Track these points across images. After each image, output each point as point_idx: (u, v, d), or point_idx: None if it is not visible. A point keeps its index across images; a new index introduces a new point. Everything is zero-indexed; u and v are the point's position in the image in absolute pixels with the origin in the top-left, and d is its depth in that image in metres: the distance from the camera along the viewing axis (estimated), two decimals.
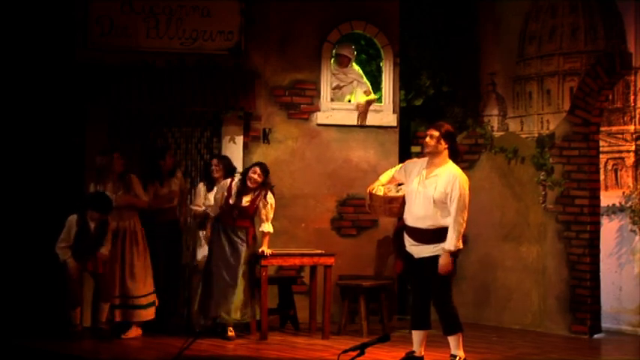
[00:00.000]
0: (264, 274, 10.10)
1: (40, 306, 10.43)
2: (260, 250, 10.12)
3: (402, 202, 8.73)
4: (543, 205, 11.00)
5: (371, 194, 8.86)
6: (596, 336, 10.58)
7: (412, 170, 8.69)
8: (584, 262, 10.66)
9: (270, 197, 10.14)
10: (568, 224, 10.80)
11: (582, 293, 10.65)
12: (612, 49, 10.61)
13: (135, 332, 10.12)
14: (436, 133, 8.53)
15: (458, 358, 8.60)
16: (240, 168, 10.86)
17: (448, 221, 8.42)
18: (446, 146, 8.53)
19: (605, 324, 10.79)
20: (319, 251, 10.54)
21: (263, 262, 10.11)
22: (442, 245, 8.43)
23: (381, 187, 8.85)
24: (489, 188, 11.48)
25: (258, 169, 10.11)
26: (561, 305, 10.79)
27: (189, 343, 7.15)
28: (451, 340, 8.63)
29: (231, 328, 10.04)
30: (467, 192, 8.45)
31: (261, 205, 10.09)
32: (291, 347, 9.70)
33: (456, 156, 8.64)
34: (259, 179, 10.08)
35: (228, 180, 10.24)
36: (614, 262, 11.03)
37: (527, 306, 11.11)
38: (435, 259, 8.46)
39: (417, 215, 8.52)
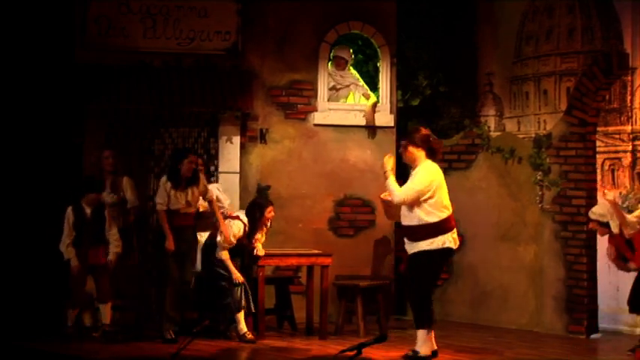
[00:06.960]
0: (260, 274, 10.11)
1: (40, 306, 10.44)
2: (255, 252, 10.12)
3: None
4: (540, 205, 11.01)
5: (382, 200, 9.26)
6: (593, 336, 10.60)
7: None
8: (581, 262, 10.68)
9: (203, 186, 9.97)
10: (565, 224, 10.81)
11: (579, 293, 10.66)
12: (609, 49, 10.62)
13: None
14: (404, 143, 9.05)
15: (418, 353, 8.86)
16: (237, 169, 10.90)
17: (430, 218, 8.80)
18: (418, 150, 8.97)
19: (602, 324, 10.80)
20: (316, 251, 10.55)
21: (260, 262, 10.13)
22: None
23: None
24: (486, 188, 11.50)
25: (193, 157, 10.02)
26: (558, 305, 10.80)
27: (187, 343, 7.18)
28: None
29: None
30: (421, 180, 8.83)
31: (211, 203, 10.02)
32: (288, 347, 9.71)
33: (433, 154, 9.03)
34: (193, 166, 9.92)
35: (164, 178, 10.00)
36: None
37: (524, 306, 11.12)
38: (417, 255, 8.85)
39: (403, 214, 8.97)
